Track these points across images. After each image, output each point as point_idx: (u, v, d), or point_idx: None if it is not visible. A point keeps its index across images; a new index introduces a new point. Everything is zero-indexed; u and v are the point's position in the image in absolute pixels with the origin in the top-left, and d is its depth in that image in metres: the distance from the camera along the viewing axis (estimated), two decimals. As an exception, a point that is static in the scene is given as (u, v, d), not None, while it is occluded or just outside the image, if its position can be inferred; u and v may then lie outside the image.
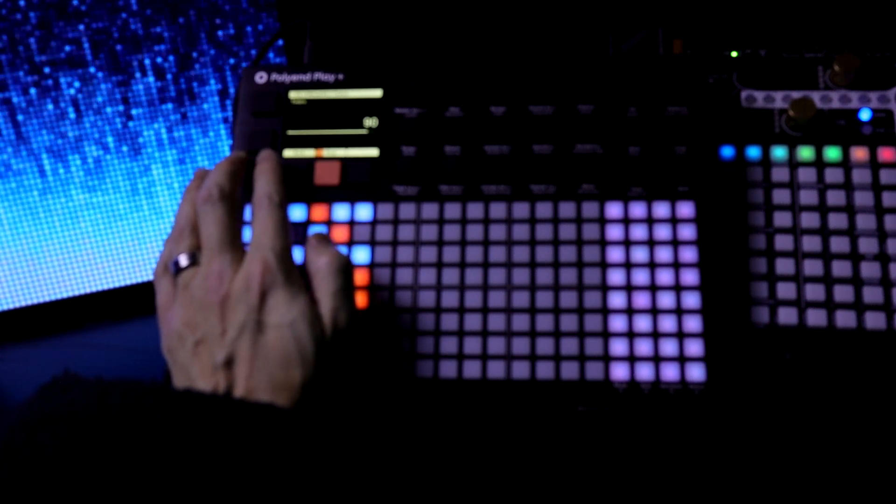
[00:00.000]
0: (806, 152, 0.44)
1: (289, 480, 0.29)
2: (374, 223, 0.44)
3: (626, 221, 0.43)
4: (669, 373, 0.40)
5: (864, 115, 0.45)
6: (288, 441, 0.30)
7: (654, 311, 0.41)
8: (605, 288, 0.42)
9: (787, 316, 0.42)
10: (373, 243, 0.43)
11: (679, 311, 0.41)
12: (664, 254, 0.42)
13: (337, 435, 0.32)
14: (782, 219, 0.43)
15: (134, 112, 0.57)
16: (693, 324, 0.41)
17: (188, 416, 0.30)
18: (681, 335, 0.41)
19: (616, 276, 0.42)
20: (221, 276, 0.38)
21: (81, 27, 0.54)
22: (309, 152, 0.46)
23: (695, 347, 0.40)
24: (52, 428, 0.29)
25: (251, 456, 0.29)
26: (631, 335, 0.41)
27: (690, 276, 0.41)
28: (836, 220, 0.43)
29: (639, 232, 0.42)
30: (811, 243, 0.43)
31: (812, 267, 0.42)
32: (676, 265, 0.42)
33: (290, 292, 0.37)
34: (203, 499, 0.28)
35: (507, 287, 0.42)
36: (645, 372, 0.40)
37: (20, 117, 0.56)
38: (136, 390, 0.30)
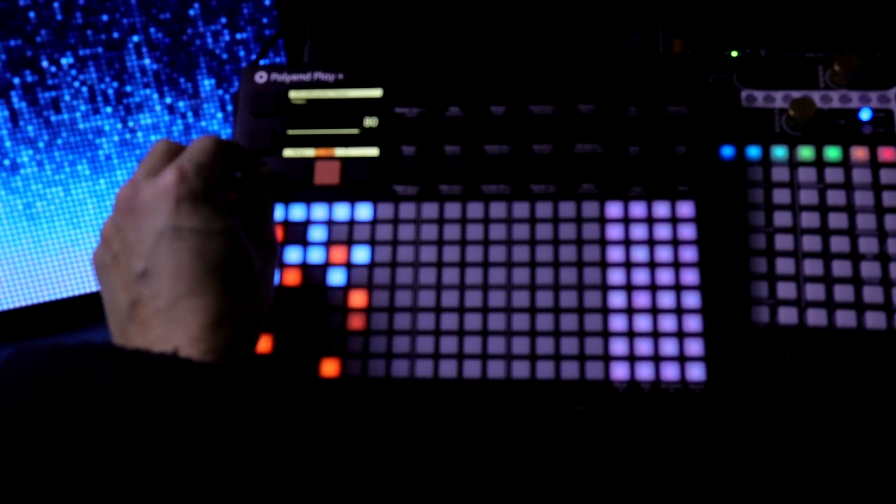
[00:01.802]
0: (806, 152, 0.44)
1: (226, 439, 0.30)
2: (374, 223, 0.44)
3: (626, 221, 0.43)
4: (669, 372, 0.40)
5: (865, 114, 0.45)
6: (225, 402, 0.31)
7: (654, 311, 0.41)
8: (605, 287, 0.42)
9: (787, 316, 0.42)
10: (373, 243, 0.43)
11: (679, 311, 0.41)
12: (664, 253, 0.42)
13: (276, 399, 0.32)
14: (782, 218, 0.43)
15: (134, 112, 0.57)
16: (693, 323, 0.41)
17: (131, 375, 0.30)
18: (681, 335, 0.41)
19: (616, 276, 0.42)
20: (136, 183, 0.37)
21: (89, 32, 0.54)
22: (309, 152, 0.46)
23: (695, 347, 0.40)
24: (5, 394, 0.30)
25: (183, 413, 0.29)
26: (631, 335, 0.41)
27: (690, 276, 0.41)
28: (836, 220, 0.43)
29: (639, 231, 0.42)
30: (811, 243, 0.43)
31: (812, 267, 0.42)
32: (676, 265, 0.42)
33: (207, 204, 0.37)
34: (139, 455, 0.28)
35: (507, 287, 0.42)
36: (645, 371, 0.40)
37: (22, 117, 0.56)
38: (86, 350, 0.31)
